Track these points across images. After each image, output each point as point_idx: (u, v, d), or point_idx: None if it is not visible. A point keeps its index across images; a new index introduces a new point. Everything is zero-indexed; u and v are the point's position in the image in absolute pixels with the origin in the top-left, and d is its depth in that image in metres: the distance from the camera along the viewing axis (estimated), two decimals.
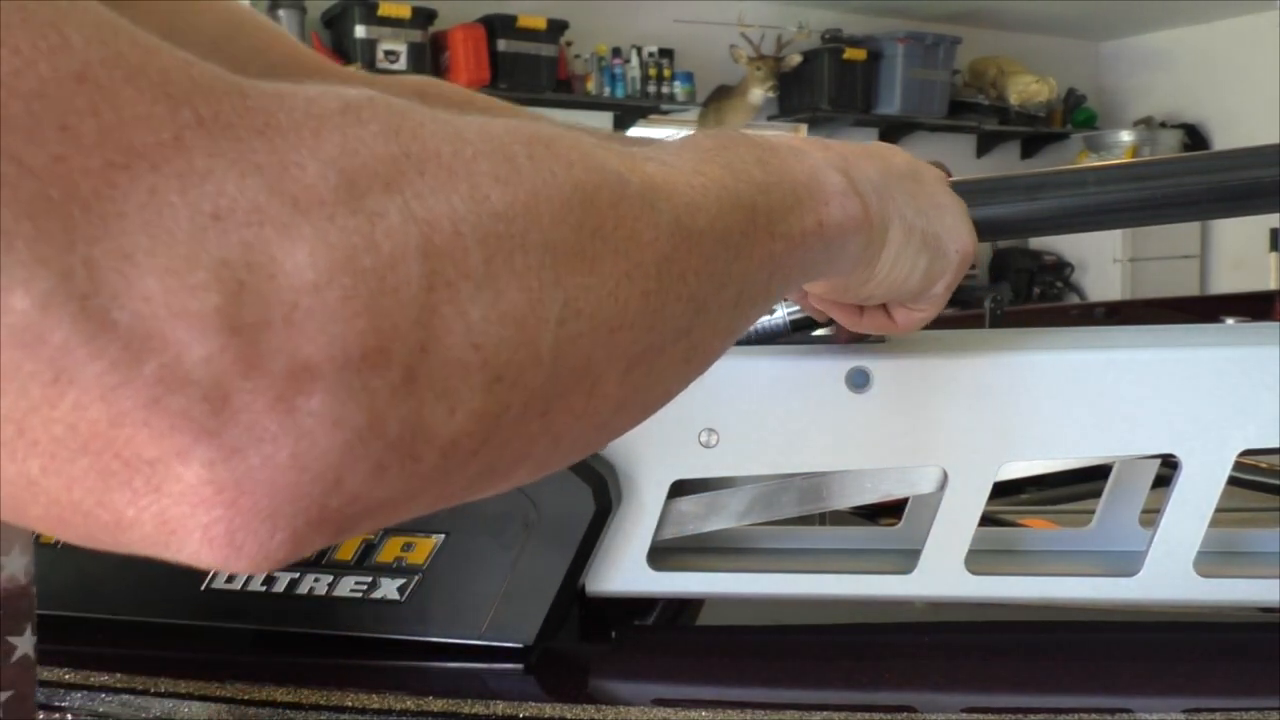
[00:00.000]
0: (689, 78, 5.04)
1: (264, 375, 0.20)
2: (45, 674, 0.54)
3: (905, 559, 0.59)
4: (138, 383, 0.19)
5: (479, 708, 0.53)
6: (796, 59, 5.01)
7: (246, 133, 0.21)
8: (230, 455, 0.20)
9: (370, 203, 0.21)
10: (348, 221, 0.21)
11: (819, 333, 0.61)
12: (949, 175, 0.53)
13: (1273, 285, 3.84)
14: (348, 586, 0.57)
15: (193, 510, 0.20)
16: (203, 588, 0.58)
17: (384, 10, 4.21)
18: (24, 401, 0.19)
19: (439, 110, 0.25)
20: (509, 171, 0.25)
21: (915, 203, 0.45)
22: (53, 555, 0.57)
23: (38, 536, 0.43)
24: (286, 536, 0.21)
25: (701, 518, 0.61)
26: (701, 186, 0.31)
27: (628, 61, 4.91)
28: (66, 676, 0.55)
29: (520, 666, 0.57)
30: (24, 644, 0.37)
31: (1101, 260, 5.65)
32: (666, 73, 5.00)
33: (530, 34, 4.50)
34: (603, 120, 4.96)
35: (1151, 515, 0.58)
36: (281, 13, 4.18)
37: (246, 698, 0.53)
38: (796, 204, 0.36)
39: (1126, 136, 5.87)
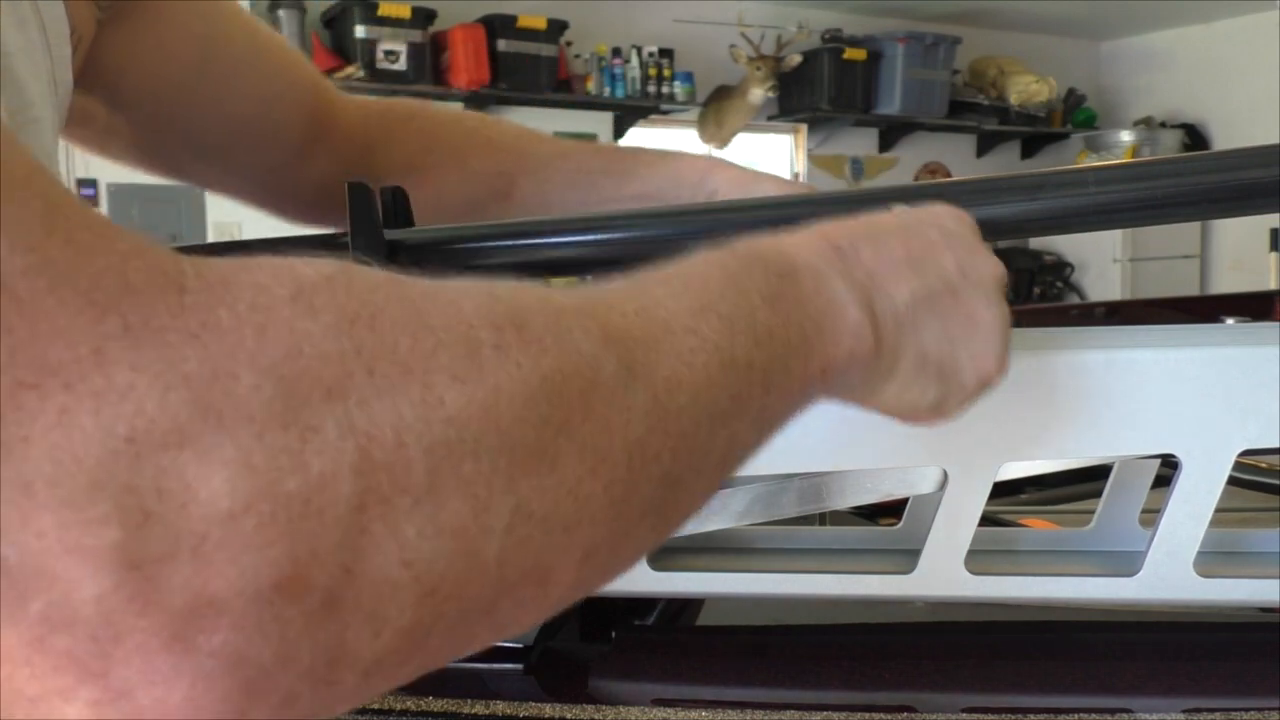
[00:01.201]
0: (689, 78, 5.05)
1: (160, 613, 0.19)
2: None
3: (905, 559, 0.59)
4: (23, 623, 0.18)
5: (479, 708, 0.53)
6: (796, 59, 5.01)
7: (178, 338, 0.20)
8: (117, 698, 0.19)
9: (306, 415, 0.20)
10: (276, 439, 0.20)
11: None
12: (949, 175, 0.52)
13: (1273, 285, 3.84)
14: None
15: None
16: None
17: (384, 10, 4.21)
18: None
19: (412, 281, 0.24)
20: (470, 367, 0.23)
21: (945, 326, 0.41)
22: None
23: None
24: None
25: (701, 518, 0.61)
26: (691, 351, 0.29)
27: (628, 61, 4.91)
28: None
29: (520, 666, 0.57)
30: None
31: (1101, 260, 5.65)
32: (666, 73, 5.00)
33: (530, 34, 4.50)
34: (603, 120, 4.96)
35: (1151, 515, 0.58)
36: (281, 13, 4.18)
37: None
38: (803, 347, 0.34)
39: (1126, 136, 5.87)
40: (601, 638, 0.62)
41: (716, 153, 5.20)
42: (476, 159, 0.72)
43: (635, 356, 0.28)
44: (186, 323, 0.20)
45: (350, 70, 4.24)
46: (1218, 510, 0.55)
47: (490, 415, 0.23)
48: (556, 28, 4.58)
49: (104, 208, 4.26)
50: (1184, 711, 0.53)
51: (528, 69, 4.52)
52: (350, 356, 0.21)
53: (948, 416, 0.45)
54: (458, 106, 4.61)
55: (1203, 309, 2.13)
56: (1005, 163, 6.02)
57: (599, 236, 0.62)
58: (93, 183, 4.19)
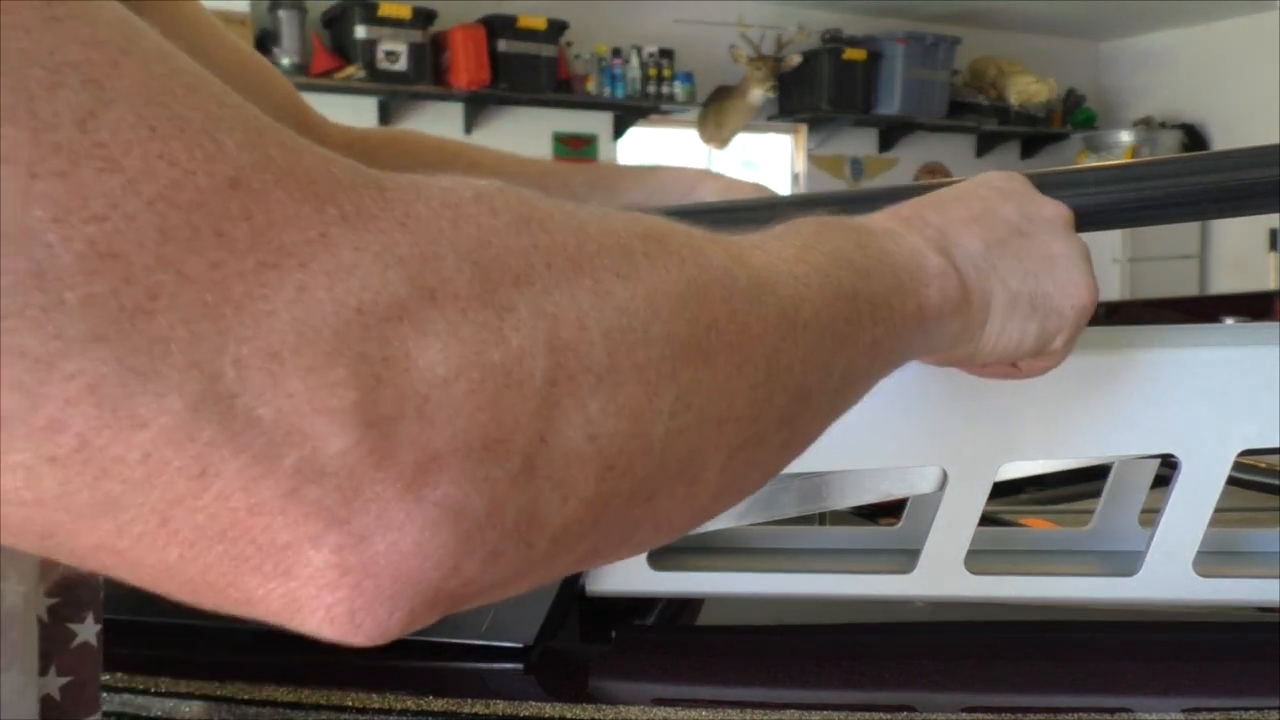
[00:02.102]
0: (689, 78, 5.05)
1: (394, 466, 0.21)
2: None
3: (905, 559, 0.59)
4: (277, 475, 0.20)
5: (479, 708, 0.53)
6: (796, 59, 5.01)
7: (389, 225, 0.22)
8: (358, 542, 0.21)
9: (502, 296, 0.23)
10: (479, 316, 0.22)
11: None
12: (948, 176, 0.53)
13: (1272, 285, 3.85)
14: None
15: (319, 592, 0.21)
16: None
17: (384, 11, 4.21)
18: (170, 494, 0.20)
19: (558, 201, 0.26)
20: (628, 267, 0.26)
21: (1023, 264, 0.43)
22: None
23: None
24: (402, 616, 0.22)
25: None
26: (805, 276, 0.32)
27: (628, 62, 4.91)
28: None
29: (520, 666, 0.57)
30: (85, 631, 0.38)
31: (1101, 260, 5.61)
32: (666, 73, 5.00)
33: (530, 34, 4.50)
34: (603, 120, 4.96)
35: (1151, 515, 0.58)
36: (282, 13, 4.18)
37: (246, 698, 0.53)
38: (898, 288, 0.36)
39: (1126, 137, 5.87)
40: (601, 638, 0.62)
41: (716, 153, 5.21)
42: None
43: (761, 275, 0.30)
44: (392, 213, 0.22)
45: (350, 70, 4.24)
46: (1217, 510, 0.55)
47: (652, 307, 0.25)
48: (556, 28, 4.58)
49: None
50: (1183, 711, 0.53)
51: (528, 69, 4.52)
52: (531, 250, 0.24)
53: (1061, 355, 0.47)
54: (458, 107, 4.61)
55: (1202, 309, 2.13)
56: (1005, 163, 6.02)
57: None
58: None
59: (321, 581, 0.21)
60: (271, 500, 0.20)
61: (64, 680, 0.37)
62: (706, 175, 0.73)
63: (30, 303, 0.18)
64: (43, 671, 0.36)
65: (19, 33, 0.19)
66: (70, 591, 0.37)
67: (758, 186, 0.74)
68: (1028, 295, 0.43)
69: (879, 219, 0.41)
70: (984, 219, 0.43)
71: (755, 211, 0.60)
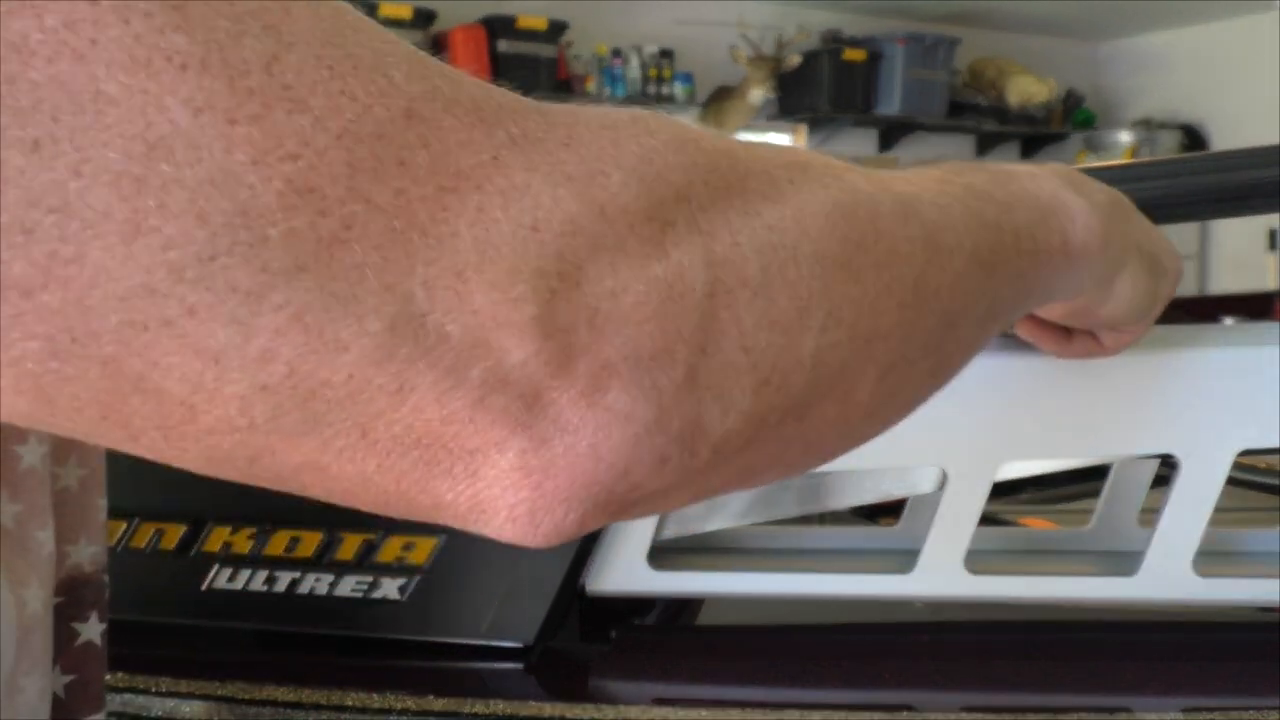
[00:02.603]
0: (689, 78, 5.05)
1: (570, 374, 0.22)
2: None
3: (904, 559, 0.59)
4: (467, 385, 0.21)
5: (479, 708, 0.53)
6: (796, 60, 5.01)
7: (554, 146, 0.23)
8: (540, 445, 0.22)
9: (664, 211, 0.24)
10: (644, 230, 0.23)
11: None
12: None
13: (1272, 285, 3.85)
14: (349, 586, 0.57)
15: (503, 493, 0.22)
16: (203, 588, 0.58)
17: (384, 11, 4.21)
18: (371, 409, 0.21)
19: (699, 128, 0.27)
20: (775, 190, 0.26)
21: (1139, 221, 0.44)
22: None
23: None
24: (577, 517, 0.23)
25: (701, 517, 0.61)
26: (948, 205, 0.32)
27: (628, 62, 4.91)
28: None
29: (520, 666, 0.57)
30: (89, 630, 0.38)
31: None
32: (666, 73, 5.00)
33: (530, 35, 4.50)
34: None
35: (1151, 515, 0.58)
36: None
37: (247, 697, 0.53)
38: (1042, 221, 0.36)
39: (1125, 137, 5.87)
40: (601, 638, 0.62)
41: None
42: None
43: (906, 199, 0.30)
44: (556, 134, 0.23)
45: None
46: (1217, 510, 0.55)
47: (801, 226, 0.26)
48: (556, 28, 4.58)
49: None
50: (1183, 711, 0.53)
51: (528, 70, 4.52)
52: (689, 167, 0.25)
53: (1145, 328, 0.48)
54: None
55: (1202, 309, 2.13)
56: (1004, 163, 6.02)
57: None
58: None
59: (506, 483, 0.22)
60: (462, 409, 0.21)
61: (68, 679, 0.37)
62: None
63: (239, 240, 0.19)
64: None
65: None
66: (75, 591, 0.37)
67: None
68: (1149, 250, 0.44)
69: (1009, 166, 0.41)
70: (1090, 183, 0.42)
71: None
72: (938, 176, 0.34)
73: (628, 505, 0.24)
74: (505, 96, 0.24)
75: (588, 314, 0.22)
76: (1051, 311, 0.47)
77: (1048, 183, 0.39)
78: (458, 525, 0.24)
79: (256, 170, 0.19)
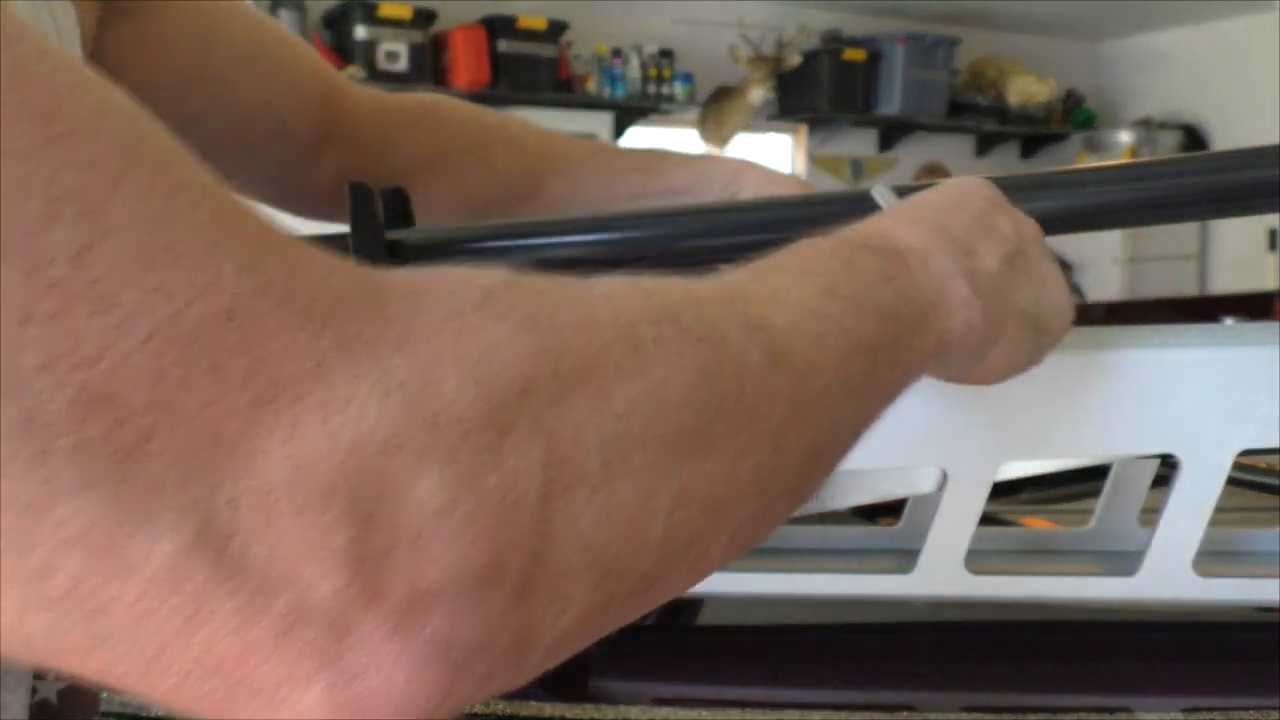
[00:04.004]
0: (689, 78, 5.04)
1: (385, 604, 0.20)
2: None
3: (905, 559, 0.59)
4: (269, 617, 0.20)
5: (479, 707, 0.53)
6: (796, 59, 5.01)
7: (388, 347, 0.21)
8: (350, 680, 0.20)
9: (503, 414, 0.22)
10: (479, 439, 0.21)
11: None
12: (949, 176, 0.53)
13: (1272, 285, 3.85)
14: None
15: None
16: None
17: (384, 11, 4.21)
18: (162, 635, 0.19)
19: (572, 281, 0.26)
20: (635, 362, 0.25)
21: (1027, 285, 0.43)
22: None
23: None
24: None
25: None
26: (824, 334, 0.31)
27: (628, 62, 4.91)
28: None
29: None
30: None
31: (1101, 260, 5.65)
32: (666, 73, 4.99)
33: (530, 34, 4.50)
34: (603, 121, 4.96)
35: (1151, 515, 0.58)
36: (282, 13, 4.17)
37: None
38: (921, 323, 0.36)
39: (1125, 137, 5.87)
40: (601, 638, 0.62)
41: (716, 153, 5.20)
42: (502, 158, 0.71)
43: (776, 343, 0.29)
44: (393, 332, 0.21)
45: (351, 71, 4.23)
46: (1217, 510, 0.55)
47: (654, 407, 0.25)
48: (556, 28, 4.57)
49: None
50: (1183, 711, 0.53)
51: (528, 70, 4.52)
52: (535, 358, 0.23)
53: (1036, 364, 0.47)
54: None
55: (1202, 309, 2.13)
56: (1005, 163, 6.02)
57: (601, 236, 0.62)
58: None
59: (314, 716, 0.21)
60: (263, 641, 0.20)
61: (61, 685, 0.37)
62: (748, 166, 0.71)
63: (20, 450, 0.18)
64: (39, 675, 0.36)
65: (18, 160, 0.18)
66: None
67: (799, 181, 0.74)
68: (1034, 316, 0.43)
69: (906, 232, 0.40)
70: (991, 232, 0.42)
71: (761, 211, 0.60)
72: (825, 285, 0.33)
73: (455, 712, 0.23)
74: (346, 283, 0.22)
75: (409, 538, 0.20)
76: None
77: (936, 266, 0.38)
78: None
79: (46, 376, 0.18)
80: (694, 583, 0.28)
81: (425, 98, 0.75)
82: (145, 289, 0.19)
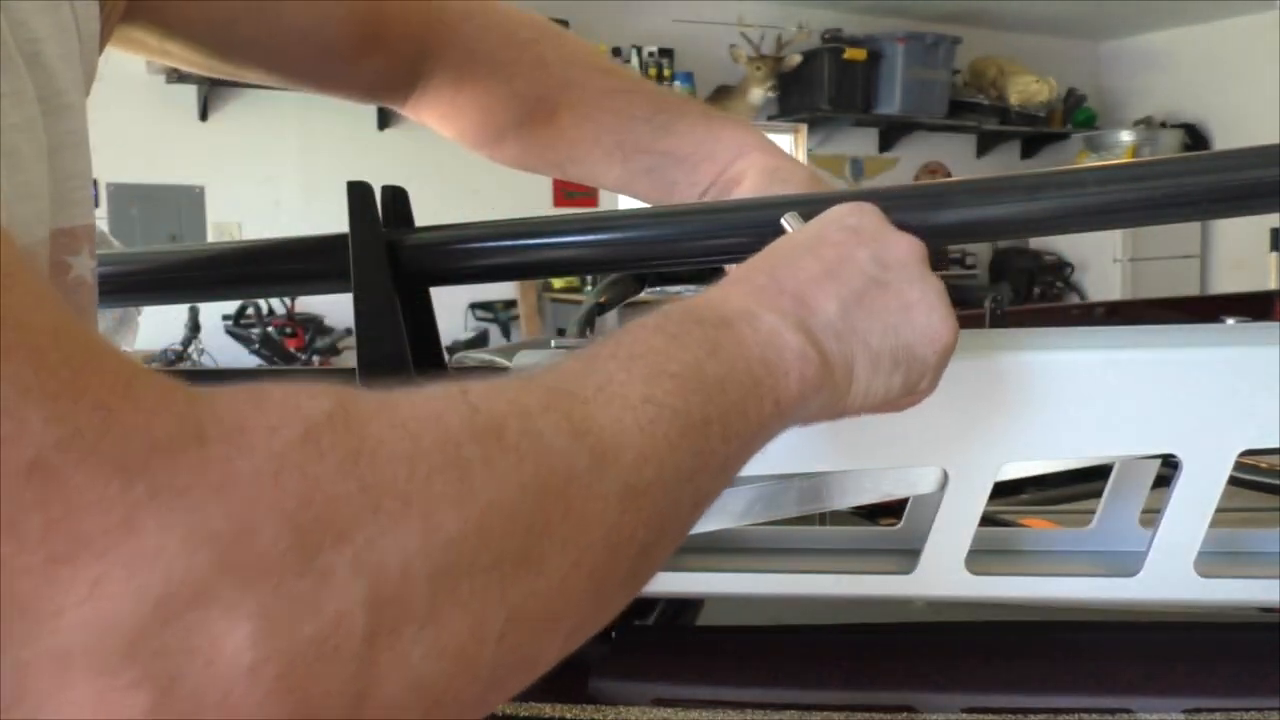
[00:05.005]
0: (689, 78, 5.05)
1: None
2: None
3: (905, 559, 0.59)
4: None
5: None
6: (796, 59, 5.01)
7: (203, 495, 0.20)
8: None
9: (320, 561, 0.21)
10: (293, 588, 0.20)
11: None
12: (949, 175, 0.52)
13: (1273, 285, 3.84)
14: None
15: None
16: None
17: None
18: None
19: (400, 400, 0.25)
20: (462, 489, 0.24)
21: (881, 320, 0.42)
22: None
23: None
24: None
25: (702, 518, 0.61)
26: (652, 421, 0.31)
27: (628, 61, 4.91)
28: None
29: None
30: None
31: (1101, 260, 5.65)
32: (666, 73, 5.00)
33: None
34: None
35: (1151, 515, 0.58)
36: None
37: None
38: (754, 389, 0.35)
39: (1126, 136, 5.87)
40: (601, 638, 0.62)
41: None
42: (523, 79, 0.71)
43: (604, 443, 0.29)
44: (209, 478, 0.20)
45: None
46: (1218, 510, 0.55)
47: (483, 533, 0.24)
48: None
49: (103, 207, 4.26)
50: (1184, 712, 0.53)
51: None
52: (357, 496, 0.22)
53: (926, 394, 0.47)
54: None
55: (1203, 309, 2.13)
56: (1005, 163, 6.02)
57: (599, 237, 0.62)
58: (93, 183, 4.19)
59: None
60: None
61: None
62: (757, 147, 0.69)
63: None
64: None
65: None
66: None
67: (804, 167, 0.73)
68: (889, 350, 0.42)
69: (737, 294, 0.39)
70: (839, 273, 0.42)
71: (753, 211, 0.59)
72: (650, 369, 0.32)
73: None
74: (169, 423, 0.20)
75: (217, 697, 0.19)
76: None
77: (765, 325, 0.37)
78: None
79: None
80: (530, 678, 0.28)
81: (468, 2, 0.73)
82: None
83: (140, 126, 4.31)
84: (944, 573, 0.57)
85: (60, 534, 0.18)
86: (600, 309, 0.74)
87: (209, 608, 0.19)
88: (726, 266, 0.60)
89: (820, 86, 5.26)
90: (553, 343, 0.67)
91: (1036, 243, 5.76)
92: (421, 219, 0.65)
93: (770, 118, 5.40)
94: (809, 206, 0.56)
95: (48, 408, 0.19)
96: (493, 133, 0.71)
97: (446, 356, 0.69)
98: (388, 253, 0.60)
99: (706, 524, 0.61)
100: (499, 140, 0.72)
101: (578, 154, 0.71)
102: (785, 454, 0.58)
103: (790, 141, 5.70)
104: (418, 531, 0.23)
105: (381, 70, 0.69)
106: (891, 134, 5.74)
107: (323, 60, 0.66)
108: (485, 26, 0.72)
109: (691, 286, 0.69)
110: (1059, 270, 5.78)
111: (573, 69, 0.72)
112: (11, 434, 0.18)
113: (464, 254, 0.63)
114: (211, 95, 4.51)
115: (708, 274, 0.65)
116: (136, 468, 0.20)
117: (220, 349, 4.34)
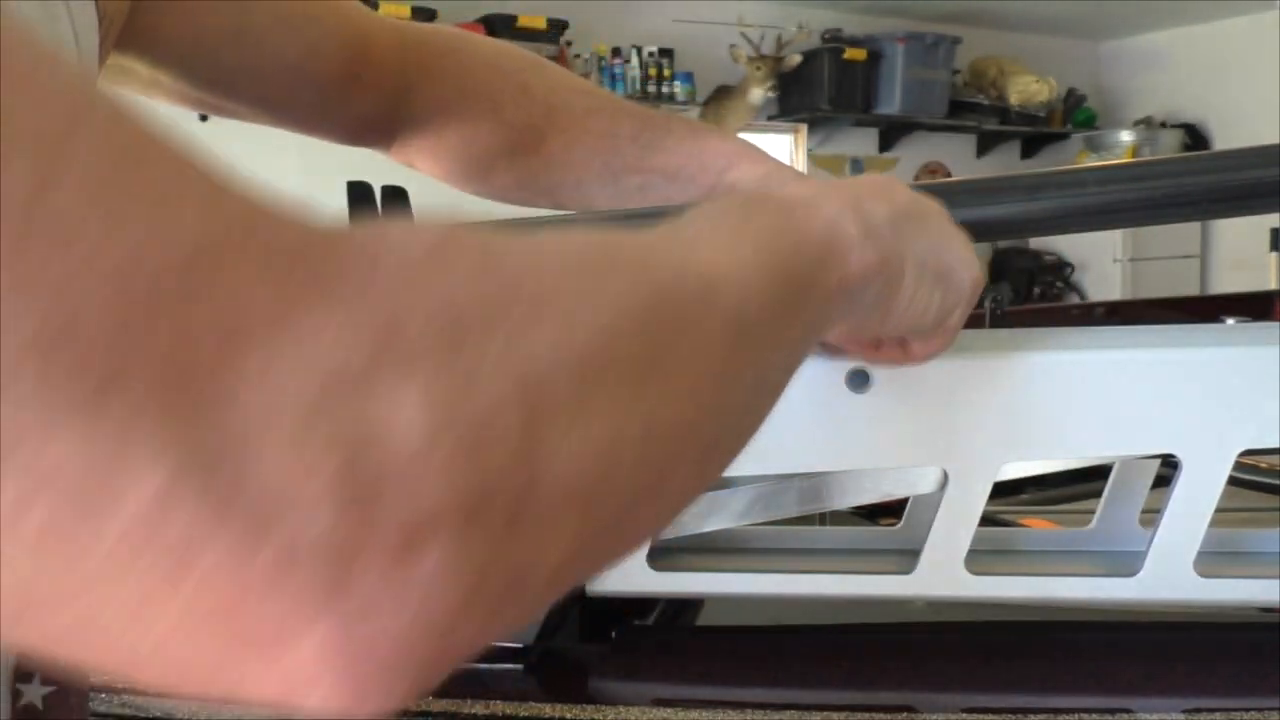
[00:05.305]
0: (689, 78, 5.05)
1: (378, 543, 0.20)
2: None
3: (905, 559, 0.59)
4: (261, 560, 0.19)
5: (479, 708, 0.53)
6: (796, 59, 5.01)
7: (352, 289, 0.21)
8: (350, 623, 0.20)
9: (470, 349, 0.22)
10: (451, 372, 0.21)
11: None
12: (949, 175, 0.53)
13: (1273, 285, 3.84)
14: None
15: (315, 673, 0.20)
16: None
17: (384, 10, 4.21)
18: (146, 580, 0.18)
19: (506, 236, 0.26)
20: (588, 294, 0.25)
21: (926, 235, 0.45)
22: None
23: None
24: (406, 686, 0.21)
25: (701, 517, 0.61)
26: (743, 267, 0.32)
27: (628, 61, 4.91)
28: None
29: (520, 666, 0.57)
30: None
31: (1101, 260, 5.65)
32: (666, 73, 5.00)
33: (530, 34, 4.50)
34: None
35: (1151, 515, 0.58)
36: None
37: None
38: (821, 264, 0.37)
39: (1126, 136, 5.87)
40: (601, 638, 0.62)
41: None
42: (510, 108, 0.72)
43: (709, 276, 0.30)
44: (352, 279, 0.21)
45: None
46: (1218, 510, 0.55)
47: (615, 334, 0.25)
48: (556, 27, 4.58)
49: None
50: (1184, 712, 0.53)
51: None
52: (492, 296, 0.23)
53: (952, 334, 0.49)
54: None
55: (1203, 309, 2.13)
56: (1005, 163, 6.02)
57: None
58: None
59: (317, 664, 0.20)
60: (256, 587, 0.19)
61: (47, 690, 0.36)
62: (747, 156, 0.70)
63: None
64: (26, 680, 0.36)
65: None
66: None
67: (793, 171, 0.73)
68: (933, 265, 0.45)
69: (794, 189, 0.41)
70: (884, 195, 0.44)
71: None
72: (732, 231, 0.34)
73: (465, 655, 0.23)
74: (303, 236, 0.22)
75: (396, 469, 0.20)
76: (829, 334, 0.48)
77: (825, 212, 0.39)
78: (271, 708, 0.21)
79: (8, 305, 0.17)
80: (665, 511, 0.29)
81: (447, 36, 0.74)
82: (106, 230, 0.18)
83: None
84: (944, 573, 0.57)
85: (231, 311, 0.19)
86: None
87: (377, 383, 0.20)
88: None
89: (820, 86, 5.26)
90: None
91: (1036, 243, 5.76)
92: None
93: (770, 118, 5.40)
94: None
95: (201, 201, 0.20)
96: (484, 165, 0.71)
97: None
98: None
99: (706, 524, 0.61)
100: (489, 172, 0.72)
101: (569, 179, 0.72)
102: (785, 454, 0.58)
103: (790, 142, 5.70)
104: (553, 328, 0.23)
105: (368, 106, 0.70)
106: (891, 134, 5.74)
107: (309, 93, 0.67)
108: (470, 59, 0.73)
109: None
110: (1059, 270, 5.78)
111: (556, 94, 0.73)
112: (172, 221, 0.19)
113: None
114: None
115: None
116: (286, 265, 0.20)
117: None
